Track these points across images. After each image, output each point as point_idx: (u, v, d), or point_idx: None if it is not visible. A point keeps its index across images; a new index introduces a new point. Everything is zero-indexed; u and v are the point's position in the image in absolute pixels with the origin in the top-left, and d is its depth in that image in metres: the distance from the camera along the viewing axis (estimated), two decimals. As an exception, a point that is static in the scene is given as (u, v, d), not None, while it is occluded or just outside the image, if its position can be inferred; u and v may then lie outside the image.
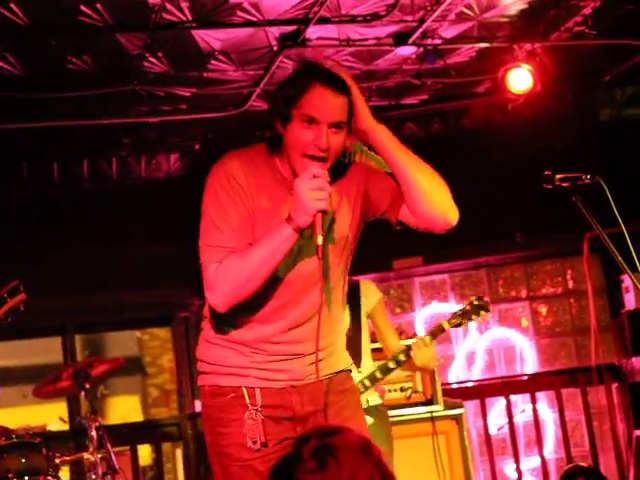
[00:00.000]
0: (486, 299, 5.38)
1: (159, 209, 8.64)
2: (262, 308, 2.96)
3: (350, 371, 3.21)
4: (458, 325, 5.37)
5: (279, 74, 7.24)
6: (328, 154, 2.84)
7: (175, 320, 9.12)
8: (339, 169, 2.99)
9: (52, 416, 8.68)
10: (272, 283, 2.92)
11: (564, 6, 6.80)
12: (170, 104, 7.62)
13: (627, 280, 8.29)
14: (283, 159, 2.93)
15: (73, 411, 8.41)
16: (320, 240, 2.78)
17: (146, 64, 6.82)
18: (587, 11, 6.74)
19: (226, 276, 2.84)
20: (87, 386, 6.30)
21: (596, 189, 3.95)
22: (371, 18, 6.49)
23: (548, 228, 8.33)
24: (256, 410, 2.93)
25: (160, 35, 6.40)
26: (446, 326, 5.34)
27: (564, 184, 4.12)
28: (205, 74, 7.15)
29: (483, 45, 7.21)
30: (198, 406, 9.00)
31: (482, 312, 5.29)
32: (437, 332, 5.33)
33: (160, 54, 6.70)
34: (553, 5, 6.78)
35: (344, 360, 3.16)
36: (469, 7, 6.67)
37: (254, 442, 2.91)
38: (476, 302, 5.31)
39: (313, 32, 6.61)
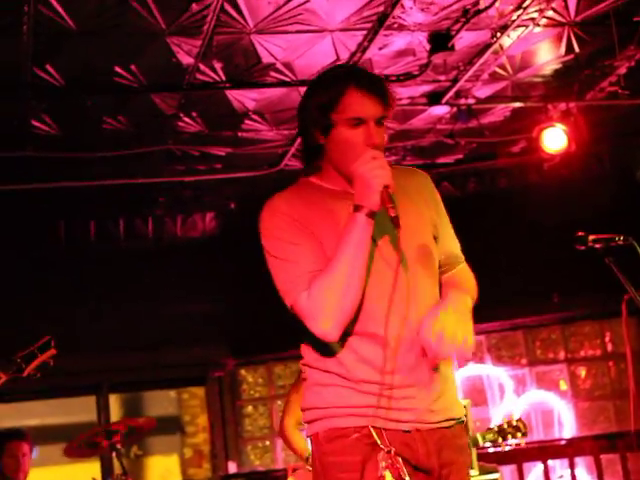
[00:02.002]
0: (524, 423, 5.27)
1: (195, 268, 8.68)
2: (376, 324, 2.70)
3: (464, 422, 2.94)
4: (492, 442, 5.28)
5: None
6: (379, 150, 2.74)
7: (209, 380, 9.09)
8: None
9: (86, 476, 8.65)
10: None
11: (598, 66, 6.80)
12: (205, 163, 7.68)
13: (667, 342, 8.16)
14: (326, 174, 2.84)
15: (106, 471, 8.38)
16: (394, 212, 2.62)
17: (180, 124, 6.89)
18: (621, 71, 6.73)
19: (322, 295, 2.64)
20: (119, 446, 6.26)
21: (631, 250, 3.88)
22: (404, 78, 6.52)
23: (586, 289, 8.22)
24: (390, 451, 2.67)
25: (194, 95, 6.47)
26: (480, 441, 5.26)
27: (597, 245, 4.06)
28: (239, 134, 7.20)
29: (517, 105, 7.21)
30: (232, 467, 8.94)
31: (519, 434, 5.20)
32: (470, 444, 5.19)
33: (194, 114, 6.77)
34: (587, 65, 6.78)
35: (459, 406, 2.89)
36: (502, 67, 6.68)
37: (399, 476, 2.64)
38: (515, 422, 5.23)
39: (346, 92, 6.63)
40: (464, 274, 2.99)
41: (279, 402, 9.25)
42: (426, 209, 2.90)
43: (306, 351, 2.83)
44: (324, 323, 2.64)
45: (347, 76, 2.75)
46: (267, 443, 9.30)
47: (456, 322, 2.64)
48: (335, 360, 2.74)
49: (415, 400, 2.73)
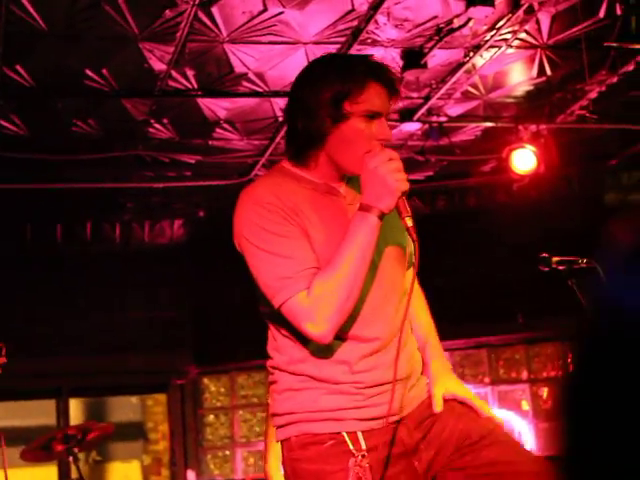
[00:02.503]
0: None
1: (161, 275, 8.65)
2: (355, 324, 2.62)
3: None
4: None
5: (284, 145, 7.26)
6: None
7: (171, 387, 9.05)
8: None
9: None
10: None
11: (570, 90, 6.84)
12: (175, 170, 7.65)
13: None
14: (309, 165, 2.66)
15: (63, 476, 8.31)
16: (410, 222, 2.53)
17: (151, 130, 6.87)
18: (592, 95, 6.77)
19: (325, 296, 2.49)
20: (76, 451, 6.21)
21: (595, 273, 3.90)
22: (376, 93, 6.52)
23: (551, 310, 8.25)
24: (363, 456, 2.57)
25: (165, 102, 6.45)
26: None
27: (560, 267, 4.08)
28: (210, 142, 7.19)
29: (488, 124, 7.24)
30: (191, 476, 8.89)
31: None
32: None
33: (165, 120, 6.74)
34: (559, 88, 6.82)
35: (419, 365, 2.85)
36: (475, 86, 6.71)
37: None
38: None
39: (318, 105, 6.63)
40: (418, 289, 2.94)
41: (241, 412, 9.24)
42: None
43: (276, 353, 2.72)
44: (323, 325, 2.50)
45: (370, 69, 2.63)
46: (227, 453, 9.26)
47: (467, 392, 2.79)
48: (309, 362, 2.64)
49: (389, 392, 2.63)
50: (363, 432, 2.62)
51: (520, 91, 6.88)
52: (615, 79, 6.59)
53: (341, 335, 2.61)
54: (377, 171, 2.52)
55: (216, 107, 6.62)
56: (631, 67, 6.46)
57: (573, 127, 7.33)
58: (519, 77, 6.66)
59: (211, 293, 8.89)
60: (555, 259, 4.11)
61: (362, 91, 2.58)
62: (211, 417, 9.34)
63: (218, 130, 7.00)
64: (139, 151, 7.17)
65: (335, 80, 2.61)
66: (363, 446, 2.60)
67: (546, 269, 4.09)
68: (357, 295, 2.54)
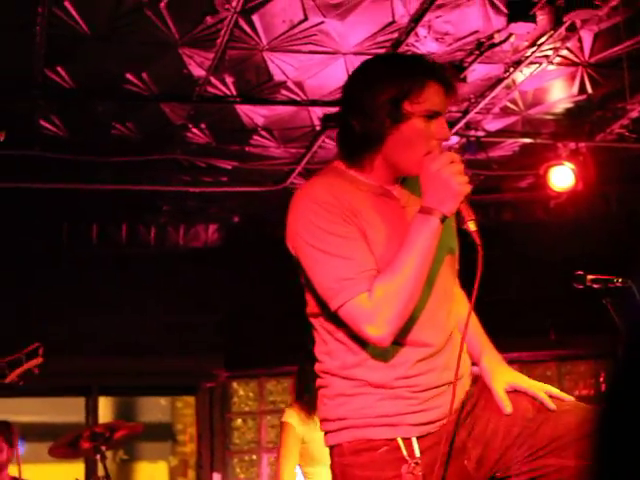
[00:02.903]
0: None
1: (195, 278, 8.68)
2: (411, 328, 2.58)
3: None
4: None
5: (321, 154, 7.28)
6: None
7: (200, 390, 9.07)
8: None
9: (70, 476, 8.63)
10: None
11: (610, 108, 6.78)
12: (211, 175, 7.68)
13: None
14: (363, 166, 2.62)
15: (89, 473, 8.36)
16: (473, 226, 2.48)
17: (189, 135, 6.89)
18: (633, 115, 6.71)
19: (387, 298, 2.44)
20: (103, 449, 6.23)
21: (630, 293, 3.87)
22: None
23: (583, 328, 8.19)
24: (416, 463, 2.53)
25: (204, 108, 6.47)
26: None
27: (595, 285, 4.05)
28: (247, 148, 7.20)
29: (526, 140, 7.19)
30: (216, 479, 8.90)
31: None
32: None
33: (203, 126, 6.77)
34: (599, 106, 6.76)
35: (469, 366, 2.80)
36: (514, 102, 6.67)
37: None
38: None
39: (356, 115, 6.63)
40: (459, 290, 2.88)
41: (269, 417, 9.24)
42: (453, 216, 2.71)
43: (327, 358, 2.66)
44: (384, 327, 2.46)
45: (427, 68, 2.60)
46: (254, 457, 9.27)
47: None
48: (364, 367, 2.59)
49: (445, 395, 2.61)
50: (418, 437, 2.57)
51: (560, 108, 6.83)
52: (656, 99, 6.54)
53: (397, 340, 2.56)
54: (439, 174, 2.47)
55: (254, 114, 6.64)
56: (673, 88, 6.40)
57: (612, 146, 7.27)
58: (559, 94, 6.61)
59: (244, 298, 8.90)
60: (590, 277, 4.08)
61: (422, 91, 2.54)
62: (239, 421, 9.35)
63: (255, 137, 7.01)
64: (177, 155, 7.20)
65: (394, 80, 2.55)
66: (417, 452, 2.56)
67: (581, 287, 4.06)
68: (417, 298, 2.50)
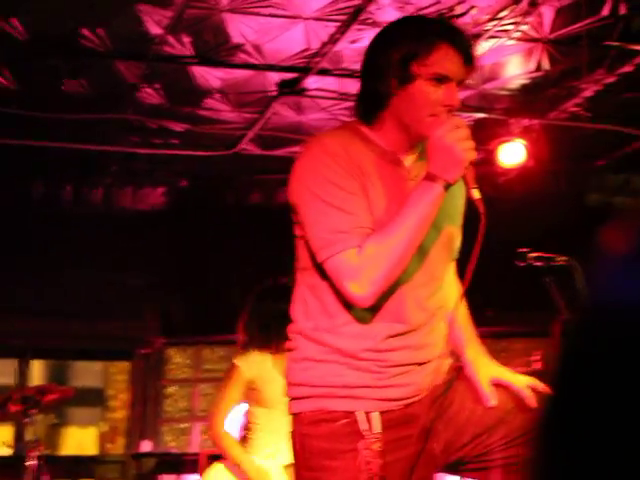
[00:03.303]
0: None
1: (138, 241, 8.56)
2: (389, 300, 2.54)
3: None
4: None
5: (275, 120, 7.21)
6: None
7: (135, 356, 8.97)
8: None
9: (-1, 439, 8.50)
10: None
11: (566, 86, 6.80)
12: (161, 137, 7.56)
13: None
14: (379, 128, 2.61)
15: (18, 437, 8.23)
16: (478, 194, 2.48)
17: (142, 94, 6.77)
18: (588, 94, 6.74)
19: (376, 258, 2.41)
20: (33, 413, 6.11)
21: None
22: (372, 75, 6.46)
23: (521, 306, 8.26)
24: (375, 439, 2.51)
25: (159, 67, 6.36)
26: None
27: (537, 263, 4.05)
28: (200, 111, 7.11)
29: (480, 115, 7.19)
30: (146, 446, 8.83)
31: None
32: None
33: (157, 86, 6.66)
34: (555, 84, 6.78)
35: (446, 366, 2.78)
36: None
37: (371, 479, 2.48)
38: None
39: (313, 82, 6.59)
40: (453, 277, 2.88)
41: (203, 386, 9.20)
42: (460, 195, 2.74)
43: (302, 318, 2.63)
44: (368, 287, 2.44)
45: (442, 30, 2.56)
46: (185, 425, 9.23)
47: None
48: (335, 333, 2.57)
49: (412, 373, 2.60)
50: (381, 413, 2.55)
51: (515, 84, 6.84)
52: (612, 79, 6.57)
53: (373, 310, 2.54)
54: (443, 140, 2.44)
55: (210, 76, 6.54)
56: (630, 68, 6.43)
57: (565, 124, 7.31)
58: (516, 70, 6.61)
59: (186, 265, 8.81)
60: (532, 255, 4.08)
61: (431, 52, 2.52)
62: (172, 389, 9.29)
63: (209, 100, 6.92)
64: (128, 115, 7.08)
65: (405, 40, 2.55)
66: (377, 428, 2.53)
67: (522, 264, 4.06)
68: (406, 264, 2.48)
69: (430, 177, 2.47)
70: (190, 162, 8.07)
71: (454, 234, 2.72)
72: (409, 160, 2.65)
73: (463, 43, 2.57)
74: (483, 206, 2.47)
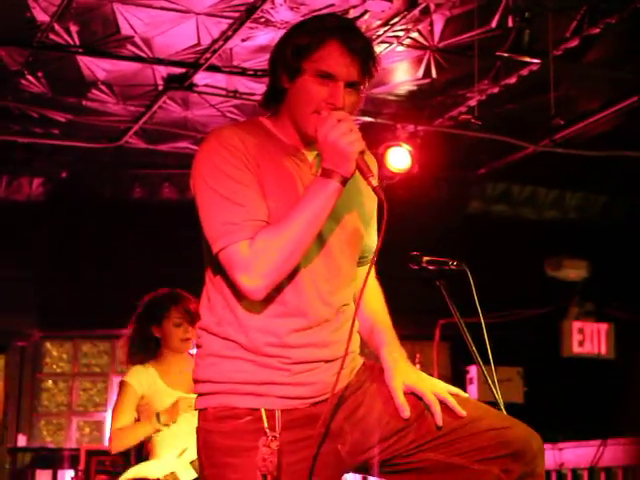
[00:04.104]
0: None
1: (13, 232, 8.34)
2: (290, 293, 2.50)
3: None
4: None
5: (160, 114, 7.12)
6: None
7: (11, 348, 8.76)
8: None
9: None
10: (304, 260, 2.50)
11: (451, 94, 6.92)
12: (42, 127, 7.38)
13: (472, 371, 8.39)
14: (281, 122, 2.61)
15: None
16: (375, 182, 2.41)
17: (24, 82, 6.60)
18: (472, 103, 6.86)
19: (266, 251, 2.41)
20: None
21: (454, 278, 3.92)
22: (262, 74, 6.45)
23: (402, 310, 8.35)
24: (274, 437, 2.47)
25: (44, 55, 6.20)
26: None
27: (430, 267, 4.08)
28: (84, 102, 6.97)
29: (367, 119, 7.24)
30: (21, 441, 8.64)
31: None
32: None
33: (40, 74, 6.49)
34: (441, 92, 6.89)
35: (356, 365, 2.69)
36: (360, 79, 6.71)
37: (264, 477, 2.44)
38: None
39: (201, 78, 6.53)
40: (374, 280, 2.82)
41: (81, 380, 9.05)
42: (367, 192, 2.63)
43: (207, 313, 2.59)
44: (258, 279, 2.42)
45: (335, 28, 2.53)
46: (62, 420, 9.06)
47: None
48: (238, 327, 2.52)
49: (318, 371, 2.54)
50: (283, 411, 2.50)
51: (403, 90, 6.92)
52: (496, 89, 6.70)
53: (271, 303, 2.51)
54: (327, 137, 2.41)
55: (95, 67, 6.42)
56: (513, 80, 6.58)
57: (449, 132, 7.43)
58: (404, 76, 6.69)
59: (63, 257, 8.64)
60: (426, 258, 4.10)
61: (318, 48, 2.49)
62: (49, 383, 9.11)
63: (94, 91, 6.78)
64: (8, 102, 6.88)
65: (299, 36, 2.53)
66: (278, 427, 2.49)
67: (416, 267, 4.08)
68: (298, 258, 2.46)
69: (325, 173, 2.44)
70: (71, 154, 7.90)
71: (360, 231, 2.67)
72: (312, 155, 2.62)
73: (356, 43, 2.52)
74: (382, 193, 2.42)
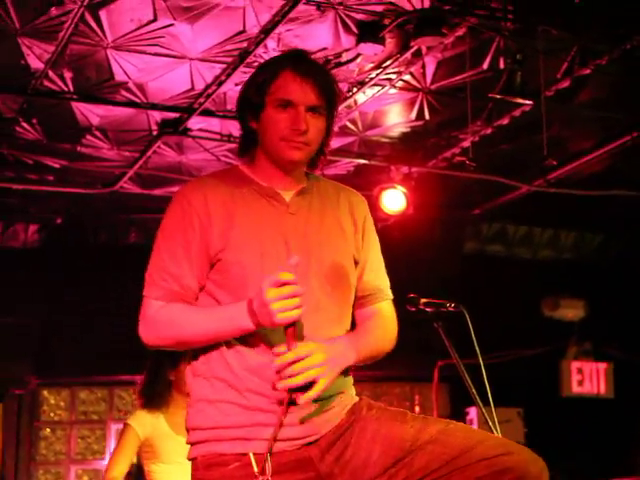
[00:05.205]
0: None
1: (9, 279, 8.33)
2: (274, 331, 2.51)
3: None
4: None
5: (155, 159, 7.14)
6: (308, 140, 2.58)
7: (8, 396, 8.70)
8: (323, 184, 2.77)
9: None
10: None
11: (444, 136, 6.95)
12: (37, 173, 7.39)
13: (472, 412, 8.34)
14: (258, 166, 2.68)
15: None
16: (295, 347, 2.43)
17: (18, 129, 6.62)
18: (466, 144, 6.89)
19: (165, 325, 2.56)
20: None
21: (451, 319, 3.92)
22: (255, 118, 6.47)
23: (400, 351, 8.31)
24: None
25: (38, 102, 6.23)
26: None
27: (428, 309, 4.08)
28: (78, 148, 6.98)
29: (361, 161, 7.27)
30: (19, 490, 8.57)
31: None
32: None
33: (34, 121, 6.51)
34: (434, 133, 6.92)
35: (351, 395, 2.71)
36: (354, 122, 6.75)
37: None
38: None
39: (195, 122, 6.56)
40: (385, 314, 2.83)
41: (79, 428, 8.98)
42: (351, 231, 2.72)
43: (192, 355, 2.65)
44: (147, 337, 2.60)
45: (286, 58, 2.65)
46: (61, 469, 8.98)
47: (323, 359, 2.48)
48: (225, 364, 2.56)
49: (307, 412, 2.52)
50: (274, 454, 2.48)
51: (396, 132, 6.95)
52: (489, 130, 6.73)
53: (255, 343, 2.54)
54: (261, 294, 2.42)
55: (90, 113, 6.44)
56: (506, 121, 6.61)
57: (443, 173, 7.45)
58: (397, 118, 6.73)
59: (60, 304, 8.62)
60: (423, 300, 4.10)
61: (274, 80, 2.60)
62: (47, 431, 9.04)
63: (89, 137, 6.80)
64: (2, 149, 6.90)
65: (256, 75, 2.67)
66: (269, 470, 2.47)
67: (413, 309, 4.08)
68: (188, 348, 2.62)
69: (249, 310, 2.47)
70: (66, 200, 7.91)
71: (343, 268, 2.68)
72: (289, 195, 2.66)
73: (307, 68, 2.62)
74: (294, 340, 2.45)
